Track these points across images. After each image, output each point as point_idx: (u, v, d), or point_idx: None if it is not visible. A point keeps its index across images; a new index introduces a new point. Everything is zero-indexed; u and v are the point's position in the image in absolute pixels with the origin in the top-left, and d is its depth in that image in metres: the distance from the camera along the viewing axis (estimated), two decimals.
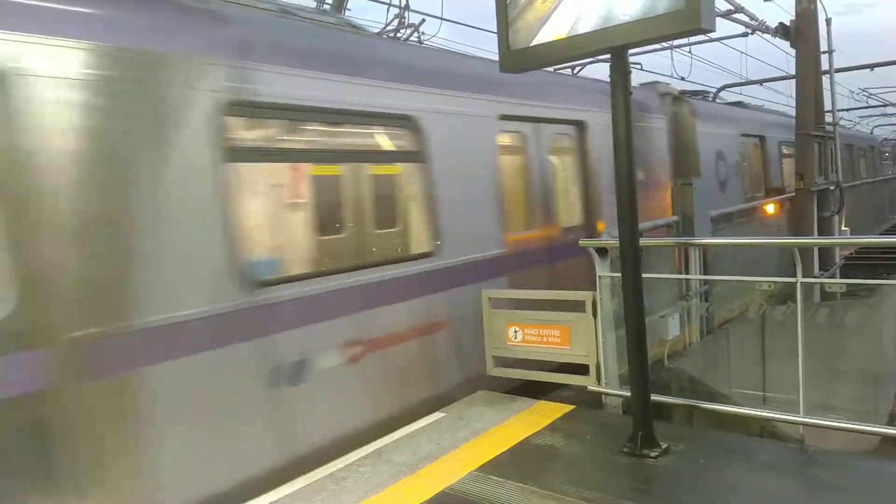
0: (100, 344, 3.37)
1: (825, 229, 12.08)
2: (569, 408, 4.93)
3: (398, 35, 9.01)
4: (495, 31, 4.23)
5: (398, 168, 5.60)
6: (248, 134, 4.38)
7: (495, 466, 3.99)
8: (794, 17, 11.92)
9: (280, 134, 4.70)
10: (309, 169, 5.10)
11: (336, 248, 5.41)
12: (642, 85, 10.30)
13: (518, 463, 4.04)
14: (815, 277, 9.19)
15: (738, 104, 14.68)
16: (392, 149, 5.51)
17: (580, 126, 7.44)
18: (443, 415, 4.91)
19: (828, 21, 13.32)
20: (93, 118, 3.47)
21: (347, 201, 5.46)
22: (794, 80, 12.20)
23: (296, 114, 4.60)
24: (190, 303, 3.74)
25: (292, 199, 5.04)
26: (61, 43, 3.36)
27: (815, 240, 10.33)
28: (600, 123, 7.19)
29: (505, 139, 6.54)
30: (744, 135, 12.24)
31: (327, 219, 5.37)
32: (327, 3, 8.87)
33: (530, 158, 6.88)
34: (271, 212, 4.84)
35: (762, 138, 13.03)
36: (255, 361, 4.06)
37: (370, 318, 4.82)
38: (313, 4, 8.35)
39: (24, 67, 3.22)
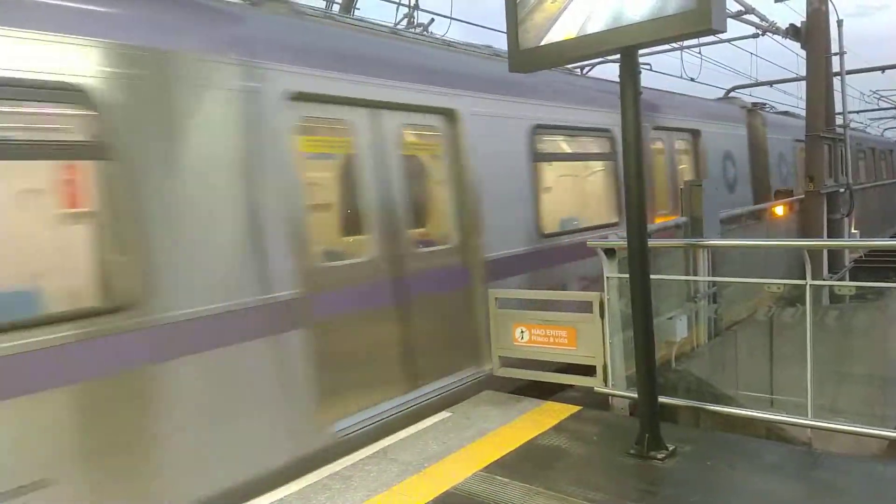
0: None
1: (835, 232, 12.00)
2: (575, 409, 4.92)
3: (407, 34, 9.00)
4: (504, 30, 4.23)
5: None
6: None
7: (501, 467, 3.98)
8: (804, 19, 11.84)
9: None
10: None
11: None
12: (725, 99, 13.82)
13: (524, 463, 4.03)
14: (824, 280, 9.13)
15: (786, 114, 15.81)
16: None
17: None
18: (449, 414, 4.91)
19: (839, 23, 13.23)
20: None
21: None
22: (804, 82, 12.13)
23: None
24: None
25: None
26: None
27: (824, 242, 10.26)
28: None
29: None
30: (795, 140, 13.63)
31: None
32: (337, 3, 8.88)
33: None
34: None
35: None
36: None
37: None
38: (322, 4, 8.35)
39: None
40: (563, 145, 7.53)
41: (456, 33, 9.63)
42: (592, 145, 7.77)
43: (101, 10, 3.59)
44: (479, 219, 5.69)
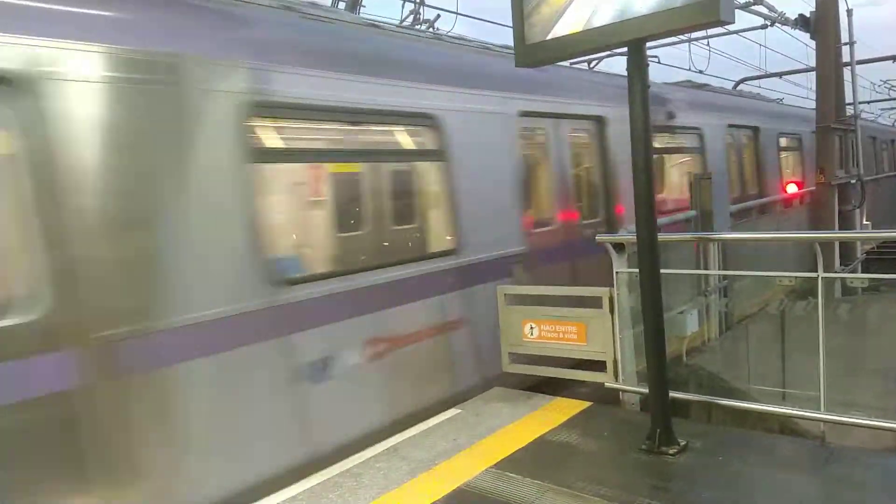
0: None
1: (847, 223, 11.91)
2: (586, 405, 4.90)
3: (414, 30, 8.99)
4: (511, 25, 4.21)
5: None
6: None
7: (512, 463, 3.97)
8: (814, 9, 11.74)
9: None
10: None
11: None
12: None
13: (534, 460, 4.02)
14: (836, 272, 9.06)
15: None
16: None
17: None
18: (459, 411, 4.90)
19: (849, 12, 13.10)
20: None
21: None
22: (813, 73, 12.03)
23: None
24: None
25: None
26: None
27: (836, 234, 10.19)
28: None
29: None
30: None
31: None
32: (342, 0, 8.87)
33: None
34: None
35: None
36: None
37: None
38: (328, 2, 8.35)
39: None
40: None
41: (462, 29, 9.61)
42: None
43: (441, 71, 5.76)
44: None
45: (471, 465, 3.96)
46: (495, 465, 3.96)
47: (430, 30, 9.05)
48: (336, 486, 3.80)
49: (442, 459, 4.07)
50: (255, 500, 3.67)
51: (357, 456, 4.17)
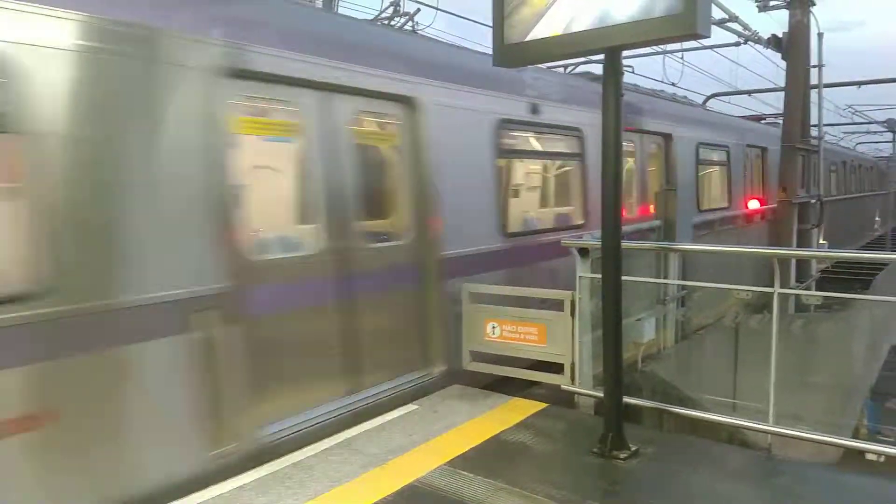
0: None
1: (804, 242, 12.22)
2: (542, 405, 4.93)
3: (392, 24, 8.93)
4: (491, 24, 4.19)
5: None
6: None
7: (465, 461, 3.98)
8: (786, 30, 11.99)
9: None
10: None
11: None
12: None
13: (488, 458, 4.03)
14: (791, 289, 9.28)
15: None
16: None
17: None
18: (416, 407, 4.89)
19: (819, 36, 13.43)
20: None
21: None
22: (781, 93, 12.29)
23: None
24: None
25: None
26: None
27: (794, 251, 10.44)
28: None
29: None
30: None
31: None
32: None
33: None
34: None
35: None
36: None
37: None
38: None
39: None
40: None
41: (442, 25, 9.56)
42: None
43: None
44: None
45: (424, 462, 3.95)
46: (449, 462, 3.96)
47: (410, 24, 9.00)
48: (286, 477, 3.76)
49: (396, 455, 4.06)
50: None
51: (310, 448, 4.13)
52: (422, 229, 5.39)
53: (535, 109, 6.68)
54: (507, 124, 6.34)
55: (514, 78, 6.46)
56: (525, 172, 7.65)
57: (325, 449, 4.13)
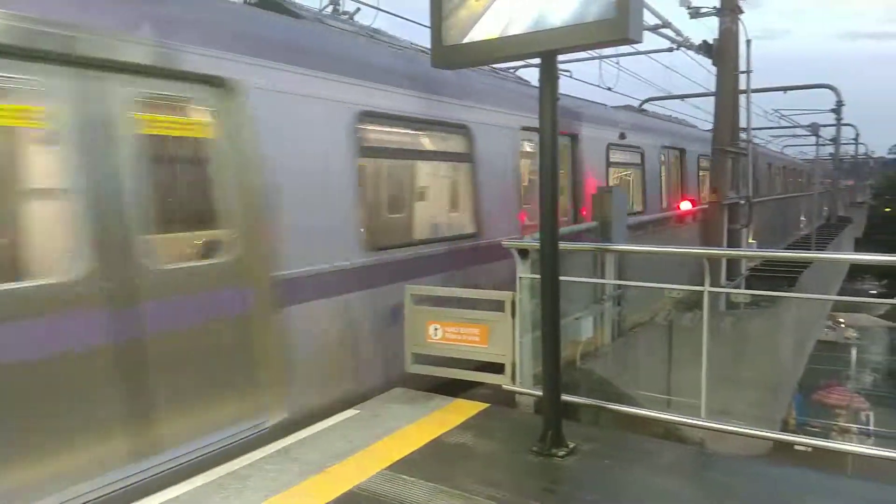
0: None
1: (734, 241, 12.68)
2: (483, 406, 4.95)
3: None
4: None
5: None
6: None
7: (406, 465, 3.95)
8: (717, 37, 12.43)
9: None
10: None
11: None
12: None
13: (429, 461, 4.02)
14: (721, 287, 9.63)
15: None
16: None
17: None
18: (357, 412, 4.83)
19: (748, 42, 13.97)
20: None
21: None
22: (712, 97, 12.73)
23: None
24: None
25: None
26: None
27: (723, 251, 10.82)
28: None
29: None
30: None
31: None
32: None
33: None
34: None
35: None
36: None
37: None
38: None
39: None
40: None
41: (383, 25, 9.51)
42: None
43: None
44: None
45: (364, 468, 3.90)
46: (389, 467, 3.92)
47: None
48: (220, 487, 3.65)
49: (335, 461, 3.99)
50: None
51: (246, 457, 4.02)
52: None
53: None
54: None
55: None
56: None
57: (262, 458, 4.03)
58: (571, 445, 4.16)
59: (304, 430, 4.44)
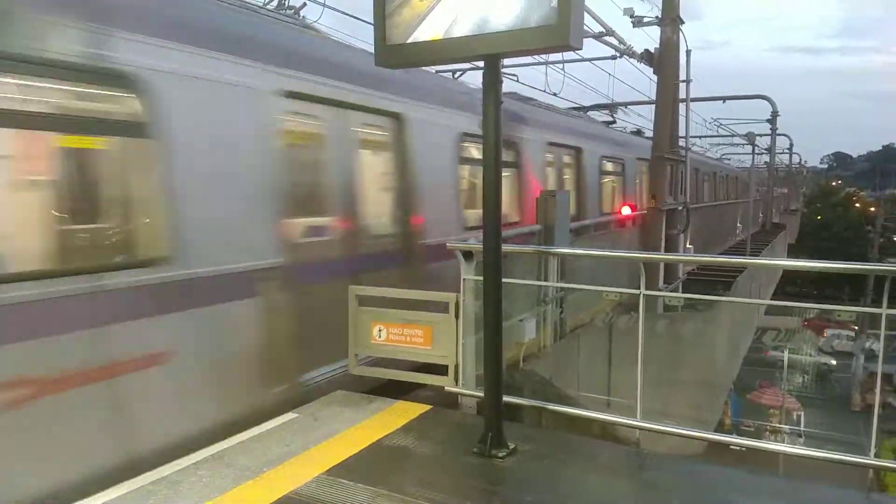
0: None
1: (672, 246, 13.03)
2: (425, 408, 4.93)
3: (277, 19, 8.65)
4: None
5: None
6: None
7: (345, 469, 3.89)
8: (658, 46, 12.76)
9: None
10: None
11: None
12: None
13: (368, 465, 3.97)
14: (657, 290, 9.86)
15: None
16: None
17: None
18: (295, 415, 4.74)
19: (688, 53, 14.36)
20: None
21: None
22: (654, 106, 13.07)
23: None
24: None
25: None
26: None
27: (659, 256, 11.10)
28: None
29: None
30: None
31: None
32: None
33: None
34: None
35: None
36: None
37: None
38: None
39: None
40: None
41: (328, 21, 9.39)
42: None
43: None
44: None
45: (301, 472, 3.83)
46: (327, 471, 3.86)
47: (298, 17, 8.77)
48: (150, 494, 3.52)
49: (271, 466, 3.90)
50: None
51: (177, 462, 3.89)
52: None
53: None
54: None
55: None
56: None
57: (193, 463, 3.90)
58: (512, 446, 4.18)
59: (239, 435, 4.33)
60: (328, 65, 5.86)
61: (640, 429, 4.59)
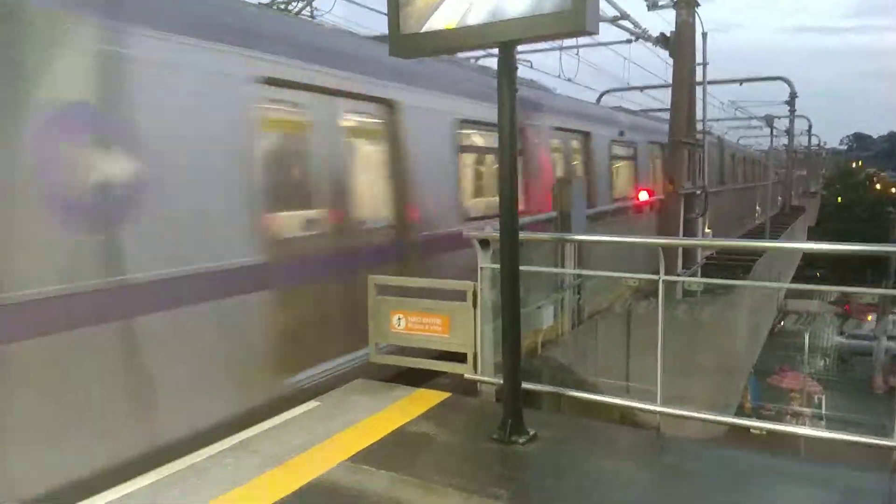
0: None
1: (690, 231, 12.93)
2: (445, 395, 4.97)
3: (289, 9, 8.70)
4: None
5: None
6: None
7: (367, 456, 3.95)
8: (674, 29, 12.61)
9: None
10: None
11: None
12: None
13: (390, 452, 4.02)
14: (676, 275, 9.81)
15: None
16: None
17: None
18: (318, 404, 4.80)
19: (704, 35, 14.19)
20: None
21: None
22: (670, 89, 12.92)
23: None
24: None
25: None
26: None
27: (678, 240, 11.02)
28: None
29: None
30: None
31: None
32: None
33: None
34: None
35: None
36: None
37: None
38: None
39: None
40: None
41: (340, 11, 9.34)
42: None
43: None
44: None
45: (325, 459, 3.89)
46: (350, 458, 3.91)
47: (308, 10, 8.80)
48: (178, 480, 3.60)
49: (295, 454, 3.96)
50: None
51: (204, 450, 3.96)
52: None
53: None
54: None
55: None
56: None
57: (220, 451, 3.98)
58: (531, 432, 4.21)
59: (263, 423, 4.40)
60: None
61: (661, 413, 4.60)
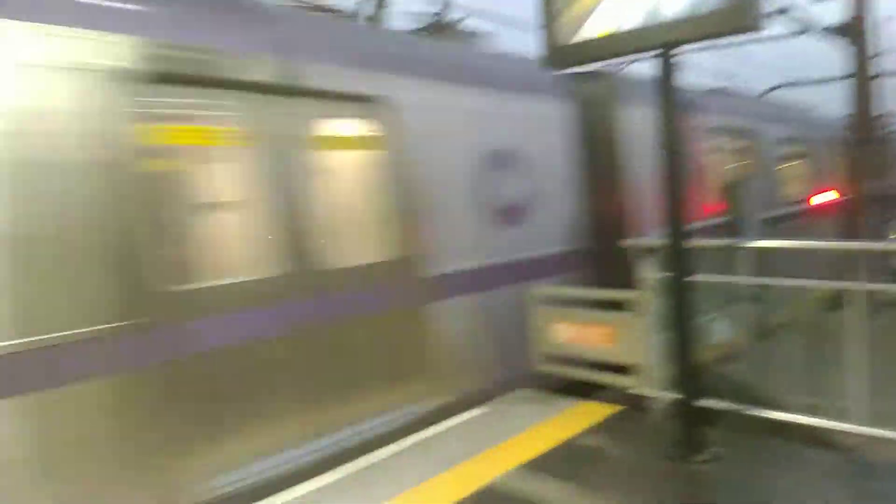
0: None
1: (879, 235, 11.65)
2: (613, 409, 4.87)
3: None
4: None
5: None
6: None
7: (537, 465, 3.96)
8: (850, 16, 11.55)
9: None
10: None
11: None
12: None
13: (560, 463, 4.01)
14: (880, 284, 8.82)
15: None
16: None
17: None
18: (485, 410, 4.90)
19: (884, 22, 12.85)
20: None
21: None
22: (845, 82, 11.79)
23: None
24: None
25: None
26: None
27: (882, 246, 9.91)
28: None
29: None
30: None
31: None
32: None
33: None
34: None
35: None
36: None
37: None
38: None
39: None
40: None
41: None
42: None
43: None
44: None
45: (495, 465, 3.95)
46: (522, 465, 3.95)
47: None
48: (355, 480, 3.84)
49: (466, 458, 4.07)
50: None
51: (380, 452, 4.20)
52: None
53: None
54: None
55: None
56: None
57: (394, 453, 4.19)
58: (710, 451, 4.00)
59: (434, 427, 4.57)
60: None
61: (861, 434, 4.17)
